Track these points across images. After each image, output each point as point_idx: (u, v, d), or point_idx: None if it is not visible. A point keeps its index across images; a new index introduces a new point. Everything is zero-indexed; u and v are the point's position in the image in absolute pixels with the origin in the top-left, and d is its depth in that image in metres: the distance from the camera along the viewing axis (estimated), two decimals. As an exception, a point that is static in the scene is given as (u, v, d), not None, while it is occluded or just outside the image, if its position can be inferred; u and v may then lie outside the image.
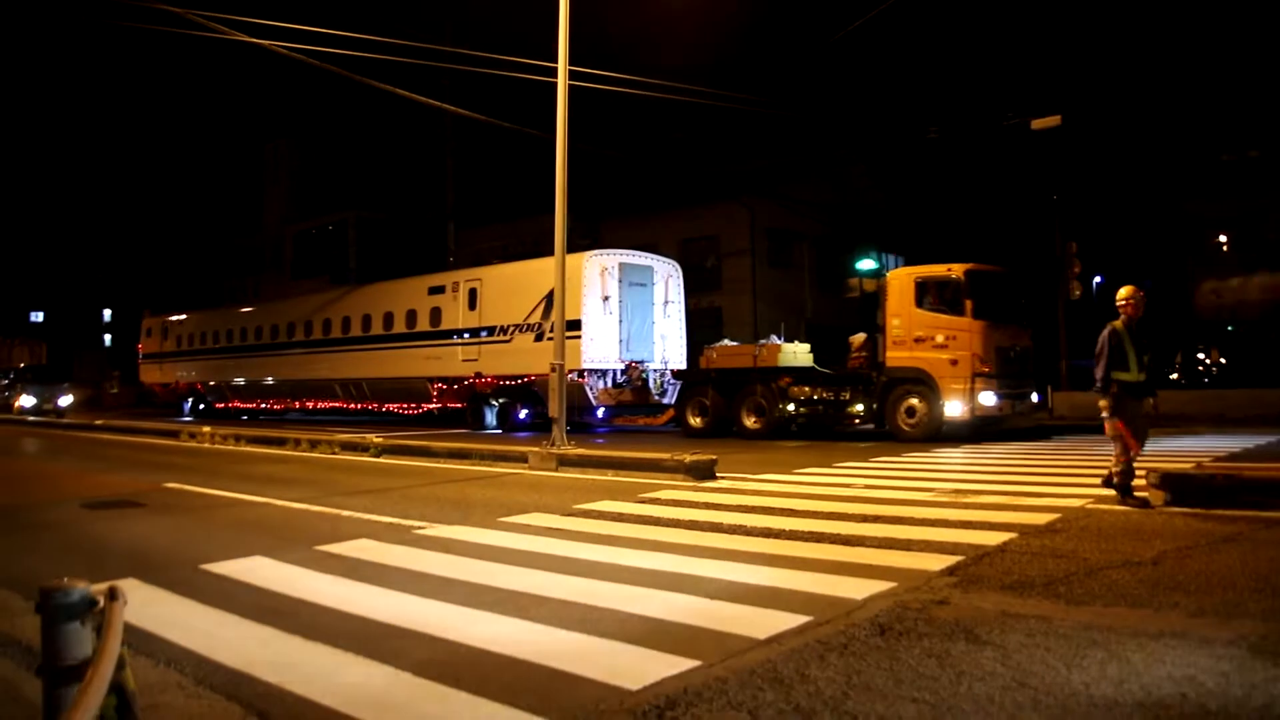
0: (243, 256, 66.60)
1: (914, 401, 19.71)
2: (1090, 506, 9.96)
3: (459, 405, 28.91)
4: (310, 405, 34.98)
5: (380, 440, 19.30)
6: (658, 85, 23.02)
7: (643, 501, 11.29)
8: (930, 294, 19.78)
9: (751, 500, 11.08)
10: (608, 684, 4.67)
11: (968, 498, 10.86)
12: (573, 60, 18.06)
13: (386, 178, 58.11)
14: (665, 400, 25.84)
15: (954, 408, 19.09)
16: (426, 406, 29.96)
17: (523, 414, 27.22)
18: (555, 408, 17.05)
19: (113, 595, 2.95)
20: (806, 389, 21.73)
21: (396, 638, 5.62)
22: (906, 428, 19.73)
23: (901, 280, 20.36)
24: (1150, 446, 16.53)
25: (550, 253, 18.74)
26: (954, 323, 19.30)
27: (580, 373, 24.26)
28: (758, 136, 37.92)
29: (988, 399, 19.02)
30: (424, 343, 29.63)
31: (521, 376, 26.44)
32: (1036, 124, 27.51)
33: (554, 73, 17.71)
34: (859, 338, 21.78)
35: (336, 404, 33.78)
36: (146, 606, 6.35)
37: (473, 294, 28.37)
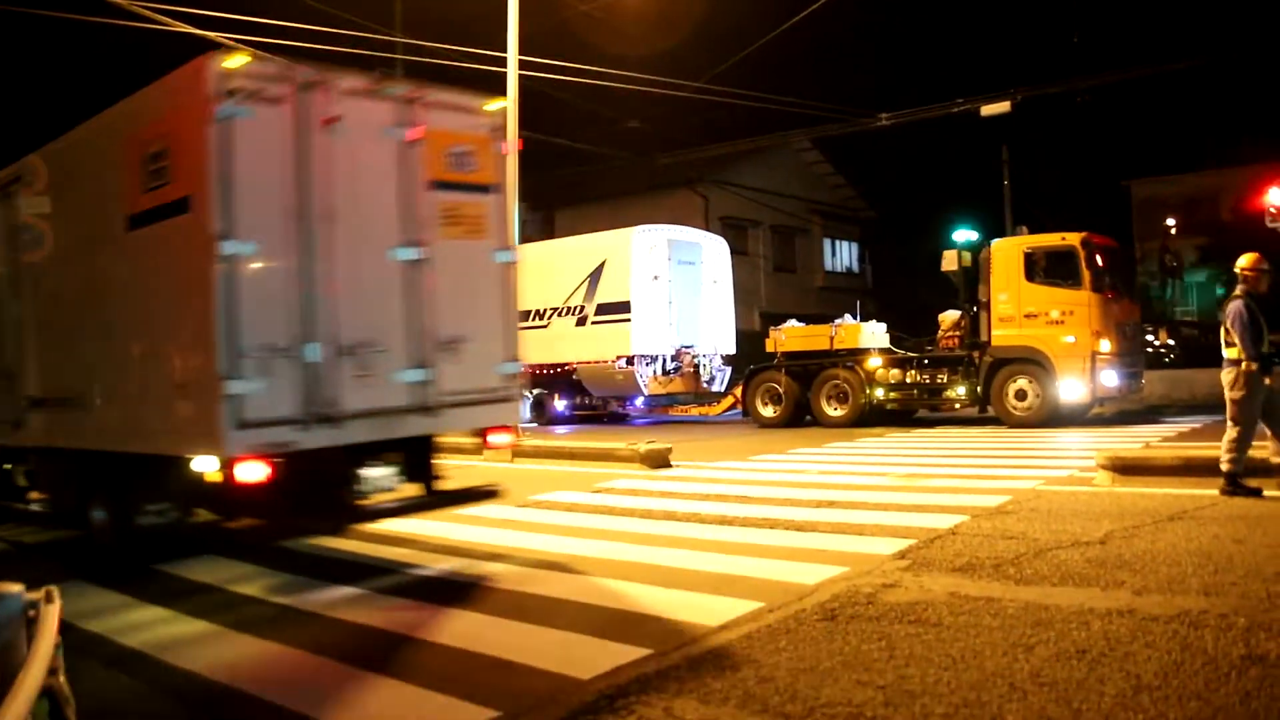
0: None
1: (1024, 383, 17.90)
2: (1041, 488, 10.04)
3: None
4: None
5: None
6: (608, 74, 22.94)
7: (598, 491, 11.28)
8: (1041, 266, 18.02)
9: (707, 488, 11.09)
10: (560, 674, 4.69)
11: (920, 481, 10.94)
12: (527, 47, 17.99)
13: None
14: (714, 388, 24.50)
15: (1071, 389, 17.40)
16: None
17: (561, 406, 25.27)
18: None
19: (49, 598, 2.90)
20: (897, 372, 19.96)
21: (345, 632, 5.60)
22: (1016, 412, 17.94)
23: (1007, 251, 18.52)
24: (1116, 428, 16.78)
25: (512, 239, 18.41)
26: (1071, 296, 17.56)
27: (629, 359, 22.84)
28: (713, 124, 37.88)
29: (1109, 379, 17.56)
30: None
31: (562, 365, 24.34)
32: (986, 110, 27.69)
33: (505, 62, 17.61)
34: (950, 316, 20.02)
35: None
36: (97, 606, 6.28)
37: None
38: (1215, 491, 9.04)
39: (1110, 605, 5.40)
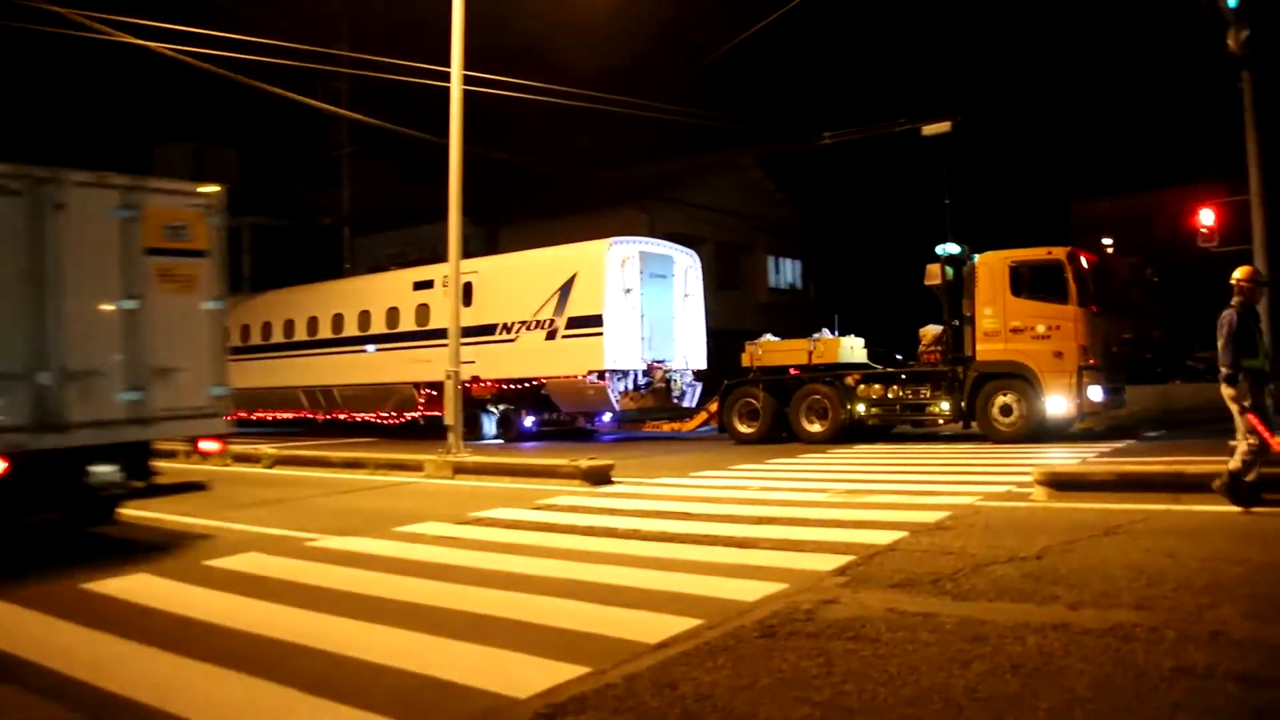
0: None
1: (1009, 398, 17.80)
2: (979, 504, 10.14)
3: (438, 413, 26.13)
4: (270, 416, 31.46)
5: (273, 451, 18.88)
6: (551, 90, 22.90)
7: (539, 508, 11.22)
8: (1027, 280, 17.90)
9: (648, 504, 11.08)
10: (497, 693, 4.64)
11: (861, 497, 11.00)
12: (474, 63, 17.91)
13: (282, 183, 57.03)
14: (685, 404, 24.03)
15: (1057, 404, 17.33)
16: (410, 415, 26.88)
17: (529, 422, 24.54)
18: (450, 415, 16.86)
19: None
20: (878, 387, 19.72)
21: (285, 654, 5.49)
22: (1002, 427, 17.80)
23: (993, 265, 18.33)
24: (1065, 445, 16.92)
25: (453, 255, 18.07)
26: (1057, 311, 17.51)
27: (601, 374, 22.21)
28: (658, 141, 38.01)
29: (1096, 394, 17.46)
30: (409, 344, 26.42)
31: (529, 380, 23.84)
32: (927, 129, 27.97)
33: (449, 76, 17.55)
34: (931, 330, 19.77)
35: (301, 413, 30.37)
36: (22, 630, 6.12)
37: (467, 288, 24.39)
38: (1148, 506, 9.20)
39: (1045, 620, 5.45)
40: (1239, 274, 9.57)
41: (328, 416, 29.53)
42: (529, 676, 4.85)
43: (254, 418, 31.85)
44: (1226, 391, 9.12)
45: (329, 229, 44.64)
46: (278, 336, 30.98)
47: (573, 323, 23.00)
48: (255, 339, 31.71)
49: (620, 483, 13.38)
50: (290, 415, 30.87)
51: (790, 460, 16.08)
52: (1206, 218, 21.29)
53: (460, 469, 15.18)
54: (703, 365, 24.67)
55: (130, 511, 12.05)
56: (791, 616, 5.76)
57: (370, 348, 27.80)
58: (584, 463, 13.51)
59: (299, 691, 4.79)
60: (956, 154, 32.19)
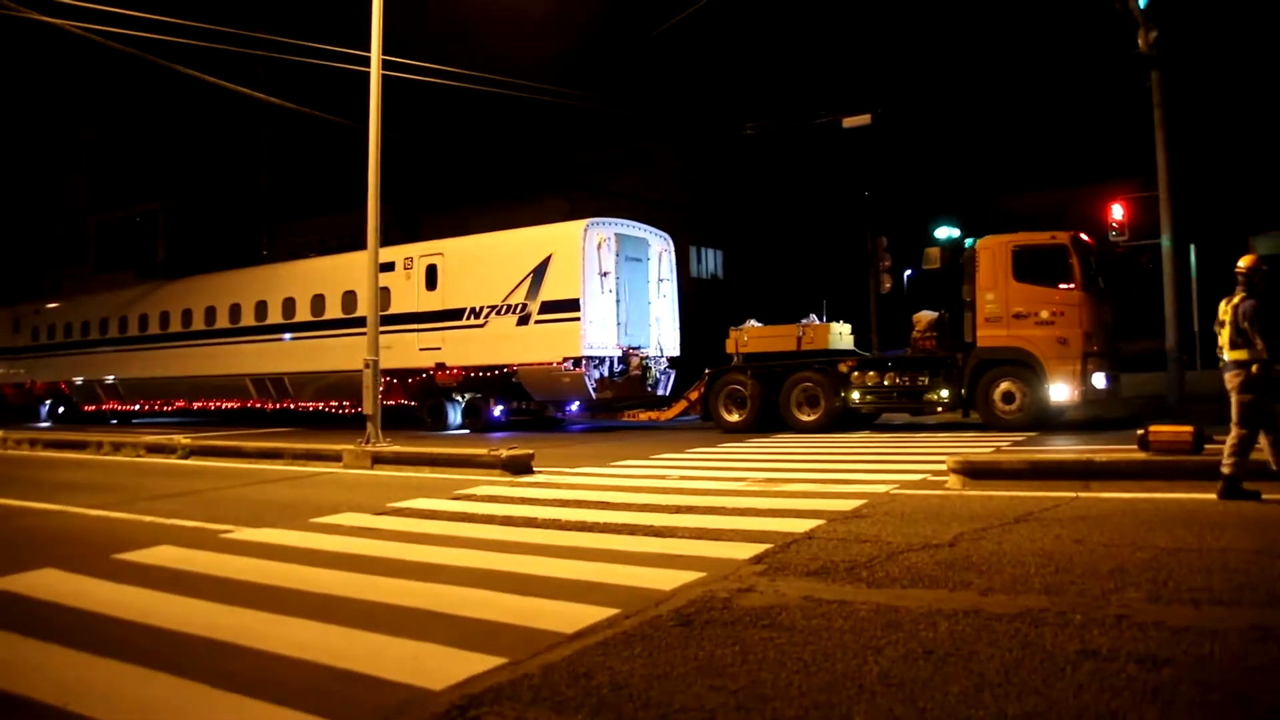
0: (41, 249, 62.98)
1: (1011, 385, 17.48)
2: (895, 492, 10.27)
3: (410, 402, 25.10)
4: (214, 405, 30.14)
5: (188, 441, 18.50)
6: (472, 77, 22.70)
7: (458, 498, 11.15)
8: (1030, 264, 17.58)
9: (568, 494, 11.07)
10: (412, 685, 4.59)
11: (780, 486, 11.08)
12: (394, 49, 17.69)
13: (198, 168, 55.88)
14: (659, 392, 23.41)
15: (1061, 391, 17.05)
16: None
17: (497, 411, 23.66)
18: (369, 405, 16.65)
19: None
20: (873, 374, 19.19)
21: (197, 649, 5.37)
22: (1005, 415, 17.48)
23: (994, 250, 17.97)
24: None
25: (371, 242, 17.74)
26: (1062, 296, 17.24)
27: (577, 361, 21.53)
28: (580, 130, 37.96)
29: (1100, 381, 17.16)
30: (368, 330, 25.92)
31: (500, 367, 22.96)
32: (848, 122, 28.28)
33: (369, 61, 17.31)
34: (925, 316, 19.34)
35: (248, 403, 29.08)
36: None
37: (431, 271, 24.33)
38: (1059, 494, 9.41)
39: (957, 606, 5.54)
40: (1244, 263, 9.31)
41: (278, 406, 28.37)
42: (445, 668, 4.82)
43: (195, 407, 30.87)
44: (1234, 380, 9.07)
45: (245, 215, 43.90)
46: (222, 321, 29.54)
47: (547, 307, 22.28)
48: (197, 324, 30.33)
49: (541, 472, 13.35)
50: (235, 405, 29.65)
51: (712, 449, 16.16)
52: (1117, 212, 21.83)
53: (379, 459, 15.02)
54: (677, 353, 24.33)
55: (39, 505, 11.80)
56: (708, 605, 5.78)
57: (323, 333, 26.59)
58: (504, 452, 13.44)
59: (210, 687, 4.70)
60: (878, 147, 32.69)
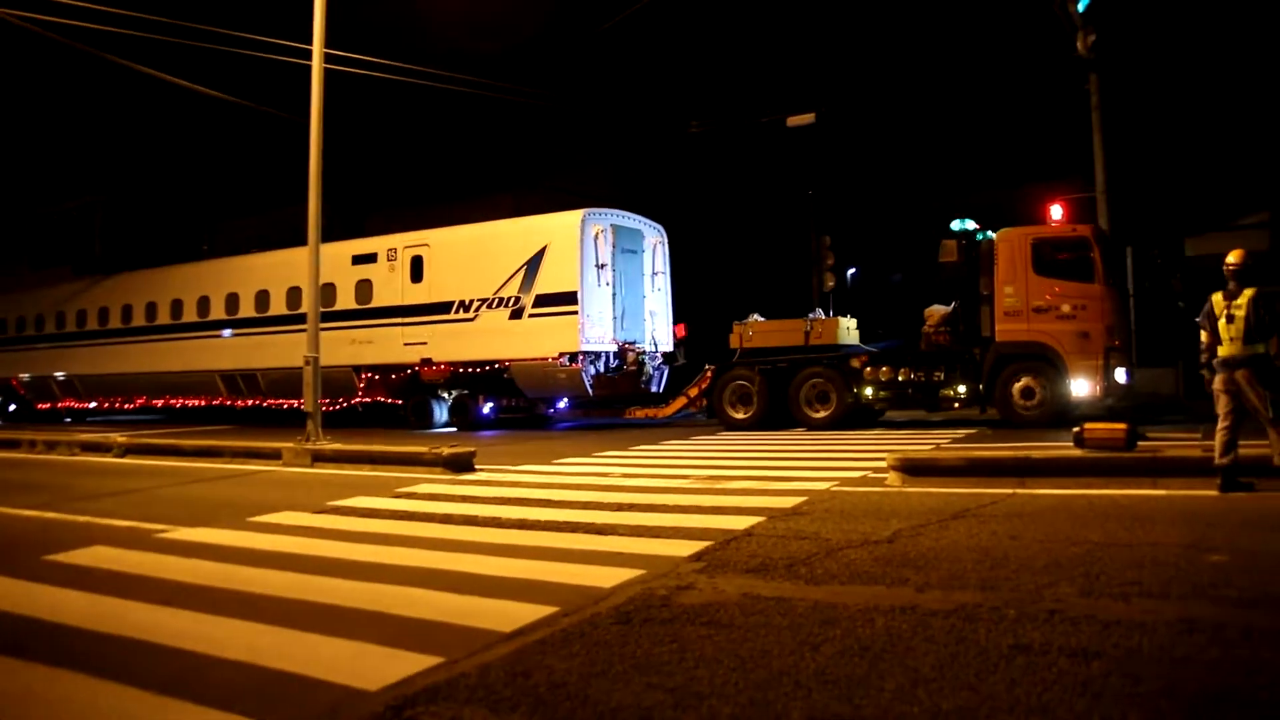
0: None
1: (1031, 381, 17.12)
2: (835, 489, 10.34)
3: (391, 400, 24.35)
4: (180, 403, 28.76)
5: (124, 439, 18.19)
6: (416, 71, 22.53)
7: (398, 496, 11.07)
8: (1052, 257, 17.26)
9: (509, 492, 11.03)
10: (347, 686, 4.55)
11: (721, 484, 11.11)
12: (338, 45, 17.45)
13: (136, 163, 54.97)
14: (652, 388, 22.70)
15: (1082, 386, 16.71)
16: (348, 401, 24.78)
17: (486, 408, 22.89)
18: (310, 401, 16.46)
19: None
20: (886, 369, 18.72)
21: (130, 652, 5.28)
22: (1024, 411, 17.13)
23: (1014, 242, 17.62)
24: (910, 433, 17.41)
25: (312, 239, 17.48)
26: (1084, 290, 16.93)
27: (574, 357, 20.82)
28: (529, 128, 37.79)
29: (1121, 376, 16.92)
30: (347, 324, 24.22)
31: (491, 363, 22.18)
32: (792, 121, 28.40)
33: (310, 54, 17.10)
34: (937, 310, 19.00)
35: (217, 401, 27.77)
36: None
37: (417, 263, 23.44)
38: (996, 490, 9.54)
39: (894, 602, 5.59)
40: (1233, 259, 9.35)
41: (250, 404, 27.24)
42: (381, 668, 4.77)
43: (159, 405, 29.54)
44: (1244, 376, 9.07)
45: (184, 209, 43.27)
46: (190, 315, 28.31)
47: (542, 300, 21.56)
48: (162, 318, 29.15)
49: (483, 470, 13.29)
50: (202, 403, 28.38)
51: (654, 447, 16.18)
52: (1056, 213, 22.10)
53: (320, 456, 14.87)
54: (670, 348, 23.61)
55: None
56: (647, 603, 5.78)
57: (298, 327, 24.59)
58: (446, 450, 13.37)
59: (142, 691, 4.61)
60: (823, 147, 32.93)
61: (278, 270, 26.46)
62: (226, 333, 26.93)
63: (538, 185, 36.04)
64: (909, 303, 19.73)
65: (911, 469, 10.61)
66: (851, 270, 40.28)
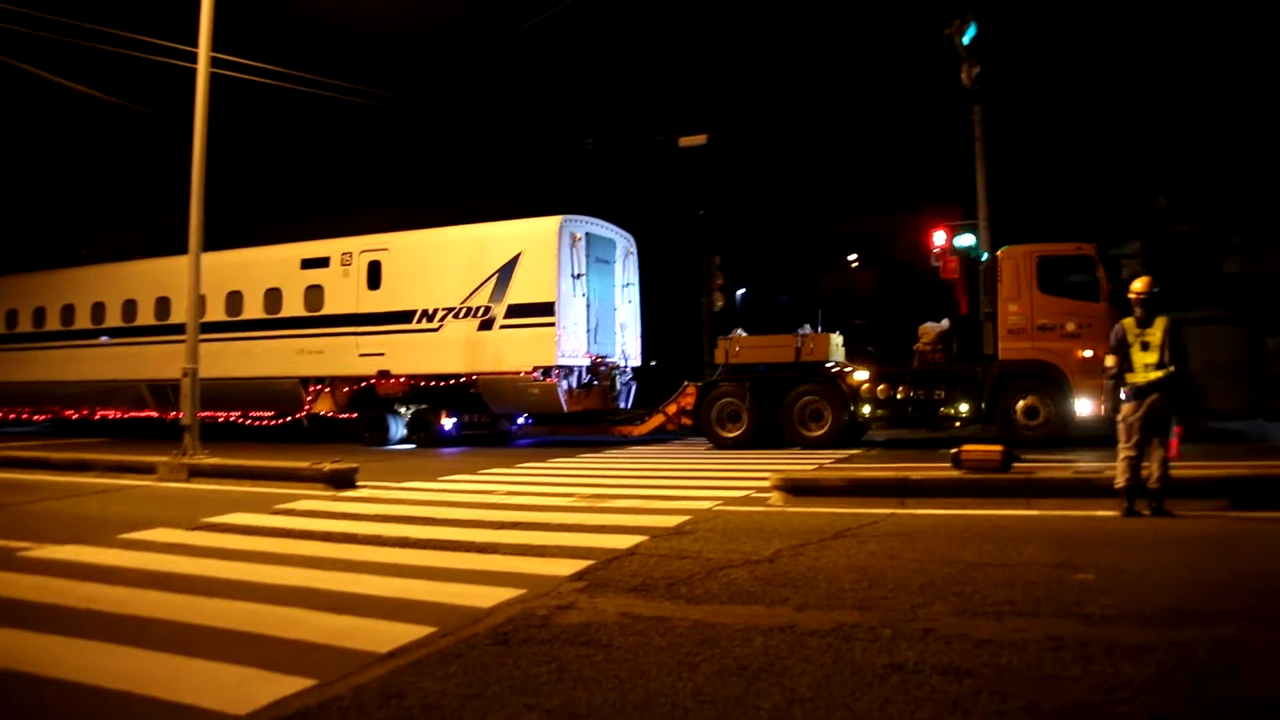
0: None
1: (1034, 400, 16.85)
2: (719, 508, 10.40)
3: (342, 415, 22.79)
4: (101, 415, 26.31)
5: (-13, 452, 17.47)
6: (306, 80, 22.17)
7: (277, 513, 10.83)
8: (1057, 275, 17.01)
9: (391, 509, 10.86)
10: (215, 711, 4.42)
11: (605, 502, 11.10)
12: (227, 48, 17.03)
13: (10, 166, 52.99)
14: (620, 404, 21.87)
15: (1086, 406, 16.32)
16: (295, 415, 23.19)
17: (449, 424, 21.41)
18: (187, 415, 16.02)
19: None
20: (884, 387, 18.16)
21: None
22: (1026, 430, 16.73)
23: (1018, 259, 17.27)
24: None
25: (193, 245, 16.95)
26: (1089, 309, 16.62)
27: (548, 371, 19.75)
28: (427, 142, 37.56)
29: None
30: (295, 332, 22.76)
31: (455, 376, 20.86)
32: (684, 141, 28.65)
33: (195, 57, 16.70)
34: (932, 328, 18.66)
35: (144, 413, 25.23)
36: None
37: (374, 268, 21.91)
38: (876, 510, 9.69)
39: (773, 621, 5.63)
40: (1139, 286, 9.57)
41: (178, 415, 24.75)
42: (251, 691, 4.65)
43: (75, 417, 26.94)
44: (1160, 400, 9.34)
45: (61, 214, 41.87)
46: (113, 319, 26.04)
47: (514, 310, 20.36)
48: (81, 322, 26.67)
49: (365, 486, 13.07)
50: (127, 415, 25.92)
51: (539, 465, 16.10)
52: (939, 238, 22.65)
53: (196, 471, 14.47)
54: (638, 362, 22.89)
55: None
56: (527, 623, 5.74)
57: (240, 335, 23.58)
58: (327, 466, 13.13)
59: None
60: (714, 168, 33.26)
61: (217, 273, 22.88)
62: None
63: (432, 200, 35.75)
64: (795, 323, 19.76)
65: (794, 489, 10.72)
66: (741, 290, 40.73)
